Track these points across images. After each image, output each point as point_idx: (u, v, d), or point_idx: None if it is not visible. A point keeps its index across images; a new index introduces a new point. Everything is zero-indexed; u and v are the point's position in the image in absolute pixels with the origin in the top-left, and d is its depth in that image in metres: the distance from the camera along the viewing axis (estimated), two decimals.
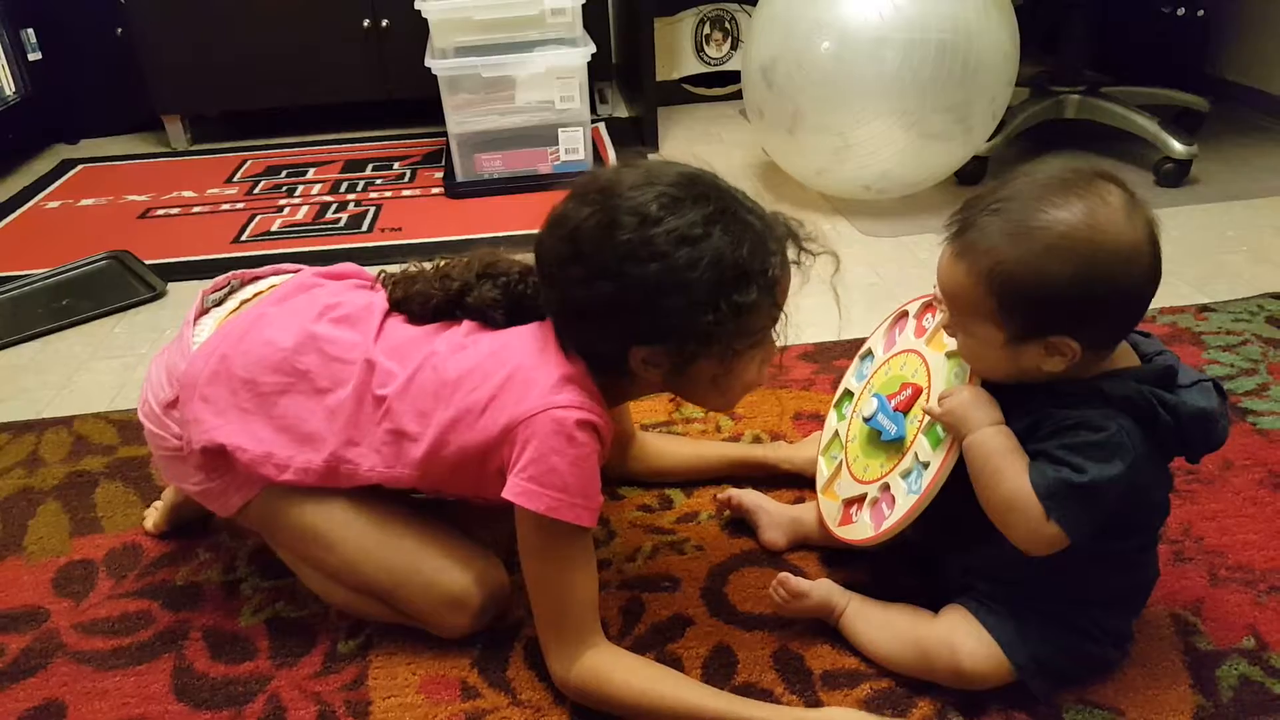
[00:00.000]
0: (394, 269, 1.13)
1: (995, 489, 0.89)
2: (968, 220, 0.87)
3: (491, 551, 1.09)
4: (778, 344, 1.00)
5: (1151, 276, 0.85)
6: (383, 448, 1.00)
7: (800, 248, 0.97)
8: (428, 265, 1.10)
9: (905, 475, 1.00)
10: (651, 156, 0.97)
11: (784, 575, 1.04)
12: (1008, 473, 0.88)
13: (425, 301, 1.06)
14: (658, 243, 0.88)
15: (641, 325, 0.92)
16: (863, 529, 1.03)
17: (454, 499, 1.15)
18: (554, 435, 0.92)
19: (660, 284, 0.88)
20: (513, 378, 0.96)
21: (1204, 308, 1.68)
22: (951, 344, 1.00)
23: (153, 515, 1.28)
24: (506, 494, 0.93)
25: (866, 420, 1.06)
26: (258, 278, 1.17)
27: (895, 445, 1.02)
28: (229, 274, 1.16)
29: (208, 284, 1.15)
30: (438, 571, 1.04)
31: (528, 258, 1.01)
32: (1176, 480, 1.23)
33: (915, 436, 1.00)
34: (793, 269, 0.96)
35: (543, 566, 0.97)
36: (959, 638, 0.95)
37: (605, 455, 0.98)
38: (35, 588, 1.20)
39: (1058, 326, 0.85)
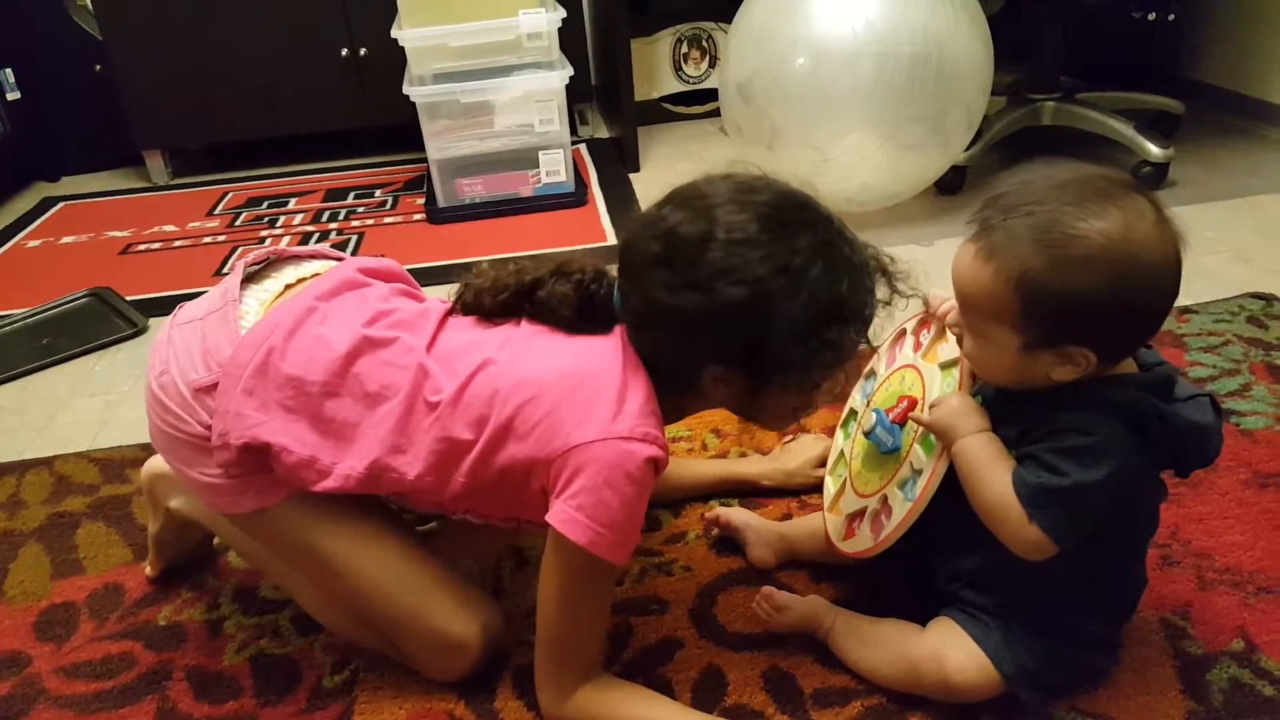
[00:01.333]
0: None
1: (980, 494, 0.89)
2: (993, 221, 0.85)
3: (488, 594, 1.09)
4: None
5: (1175, 293, 0.85)
6: (430, 455, 0.95)
7: (893, 289, 0.94)
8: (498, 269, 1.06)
9: (902, 485, 1.00)
10: (753, 171, 0.95)
11: (767, 590, 1.04)
12: (991, 478, 0.88)
13: (496, 294, 1.01)
14: (754, 267, 0.85)
15: (723, 346, 0.89)
16: (863, 541, 1.03)
17: (450, 518, 1.08)
18: (613, 469, 0.88)
19: (751, 310, 0.86)
20: (576, 393, 0.91)
21: (1185, 309, 1.69)
22: (945, 355, 1.00)
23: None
24: (550, 518, 0.89)
25: (866, 435, 1.06)
26: (299, 258, 1.10)
27: (894, 457, 1.02)
28: (268, 248, 1.09)
29: (247, 256, 1.08)
30: (444, 616, 1.01)
31: (605, 262, 1.00)
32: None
33: (911, 446, 1.00)
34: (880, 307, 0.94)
35: (564, 596, 0.93)
36: (946, 650, 0.95)
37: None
38: (16, 632, 1.19)
39: (1079, 337, 0.84)
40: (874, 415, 1.03)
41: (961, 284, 0.88)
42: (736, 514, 1.22)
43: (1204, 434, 0.87)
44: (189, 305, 1.06)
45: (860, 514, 1.06)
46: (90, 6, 2.82)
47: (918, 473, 0.97)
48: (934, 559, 1.02)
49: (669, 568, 1.20)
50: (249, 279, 1.06)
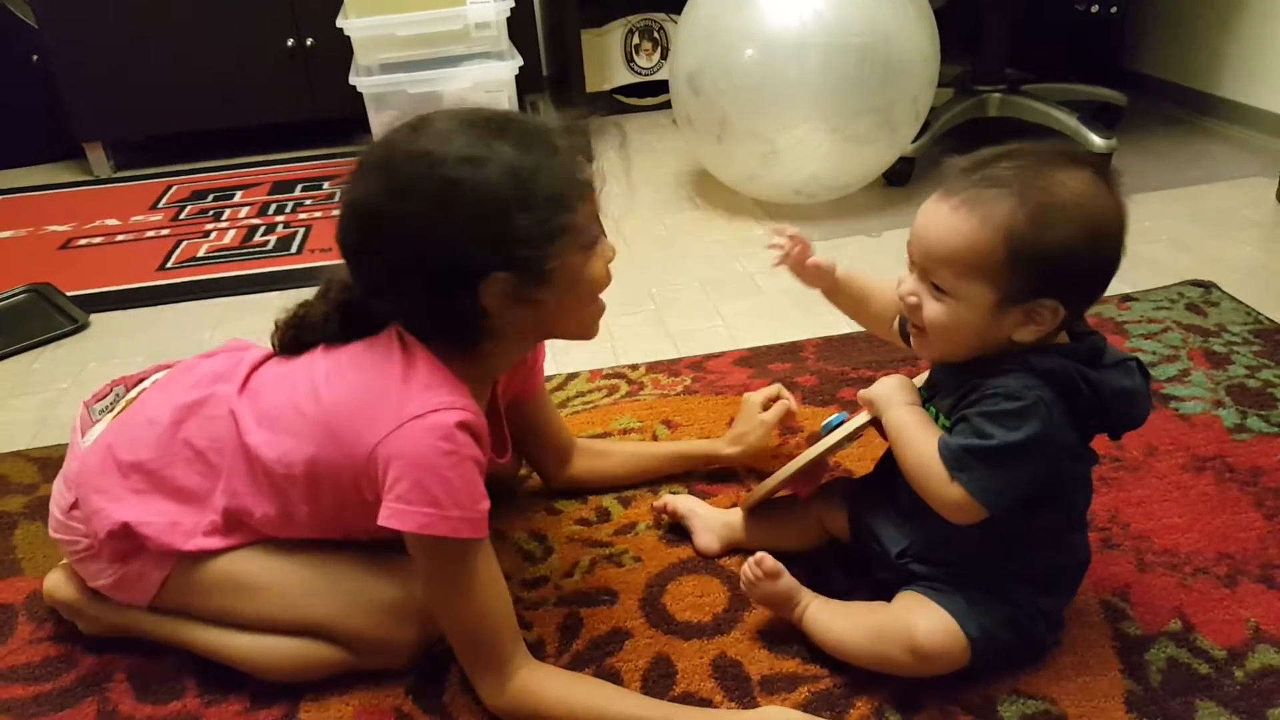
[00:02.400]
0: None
1: (905, 458, 0.92)
2: (964, 180, 0.87)
3: None
4: (606, 241, 1.00)
5: (1123, 252, 0.88)
6: (264, 492, 0.99)
7: (585, 138, 0.98)
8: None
9: (813, 445, 1.05)
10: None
11: (761, 554, 1.04)
12: (915, 443, 0.92)
13: (282, 335, 1.04)
14: (447, 173, 0.87)
15: (469, 259, 0.89)
16: (756, 491, 1.12)
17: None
18: (418, 449, 0.89)
19: (466, 208, 0.87)
20: (363, 397, 0.93)
21: (1126, 297, 1.72)
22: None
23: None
24: (381, 520, 0.90)
25: (824, 428, 1.09)
26: (141, 379, 1.15)
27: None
28: (111, 382, 1.16)
29: (89, 395, 1.15)
30: (378, 588, 1.01)
31: None
32: (1103, 467, 1.26)
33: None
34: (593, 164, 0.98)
35: (441, 590, 0.94)
36: (914, 618, 0.96)
37: (487, 449, 0.95)
38: None
39: (1053, 288, 0.85)
40: (839, 414, 1.08)
41: (938, 242, 0.87)
42: (683, 501, 1.23)
43: (1130, 398, 0.90)
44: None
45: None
46: None
47: (835, 433, 1.03)
48: (880, 541, 1.04)
49: (619, 558, 1.20)
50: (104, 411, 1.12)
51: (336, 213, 0.95)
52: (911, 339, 0.97)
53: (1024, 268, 0.84)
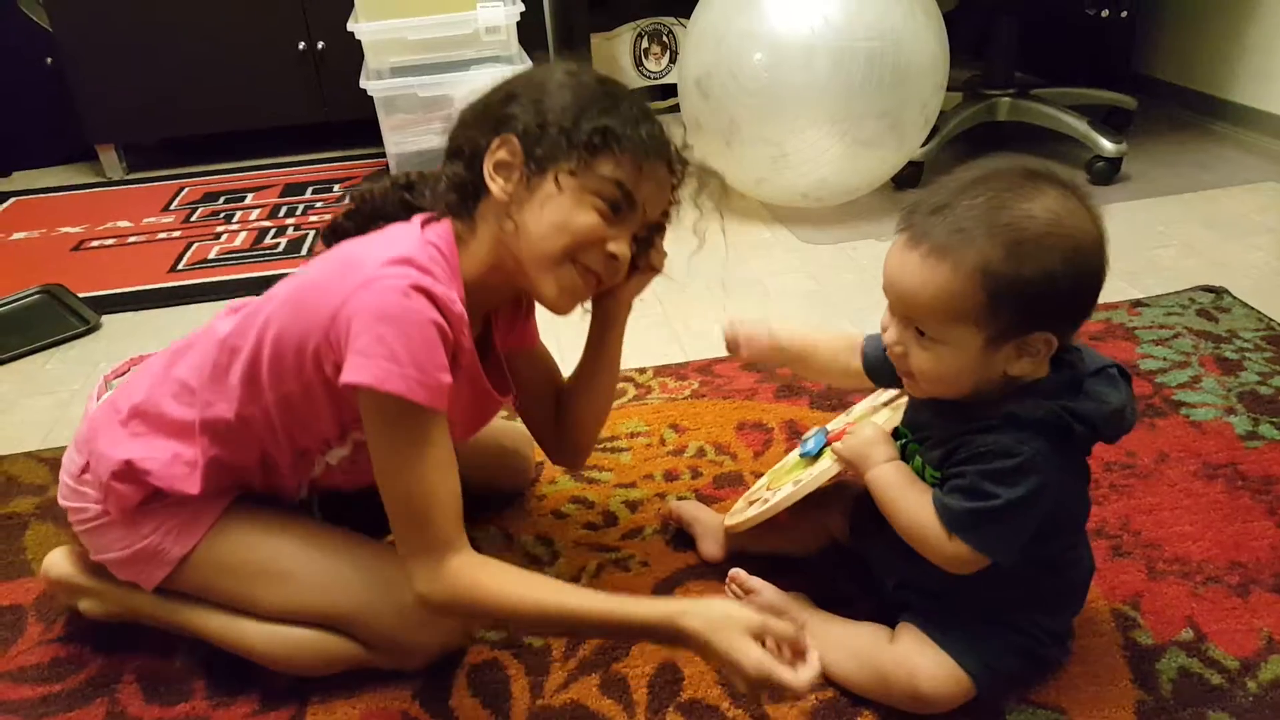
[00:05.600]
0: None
1: (897, 518, 0.92)
2: (928, 223, 0.85)
3: None
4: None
5: (1106, 267, 0.86)
6: (237, 383, 0.97)
7: (680, 157, 1.00)
8: None
9: (796, 481, 1.04)
10: None
11: (736, 571, 1.03)
12: (905, 504, 0.91)
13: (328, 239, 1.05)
14: (536, 72, 0.97)
15: (498, 117, 0.95)
16: (739, 515, 1.11)
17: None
18: (376, 304, 0.86)
19: (524, 87, 0.96)
20: (337, 269, 0.93)
21: (1137, 303, 1.71)
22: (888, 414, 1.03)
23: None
24: (343, 379, 0.86)
25: (801, 450, 1.09)
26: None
27: (807, 462, 1.06)
28: (130, 359, 1.16)
29: (108, 368, 1.16)
30: (407, 586, 0.97)
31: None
32: (1114, 475, 1.25)
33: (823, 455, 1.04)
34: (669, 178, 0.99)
35: (390, 457, 0.90)
36: (915, 660, 0.95)
37: (464, 339, 0.93)
38: None
39: (1043, 321, 0.84)
40: (816, 432, 1.08)
41: (913, 291, 0.85)
42: (688, 508, 1.23)
43: (1120, 416, 0.88)
44: None
45: (755, 500, 1.11)
46: None
47: (807, 476, 1.02)
48: (879, 570, 1.04)
49: (626, 563, 1.20)
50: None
51: None
52: (904, 382, 0.94)
53: (1006, 306, 0.83)
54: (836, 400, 1.49)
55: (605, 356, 1.15)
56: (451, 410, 0.92)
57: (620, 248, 0.96)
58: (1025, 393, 0.87)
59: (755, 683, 0.82)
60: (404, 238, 0.95)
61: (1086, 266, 0.83)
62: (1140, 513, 1.21)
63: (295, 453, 1.02)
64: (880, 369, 1.03)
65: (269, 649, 1.04)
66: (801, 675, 0.82)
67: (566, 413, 1.18)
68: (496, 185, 0.94)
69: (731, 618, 0.85)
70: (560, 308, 1.00)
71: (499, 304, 1.08)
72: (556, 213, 0.93)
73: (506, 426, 1.30)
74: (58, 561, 1.13)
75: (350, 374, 0.86)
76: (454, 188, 0.97)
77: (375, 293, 0.87)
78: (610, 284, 1.01)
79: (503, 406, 1.13)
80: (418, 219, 0.98)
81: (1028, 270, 0.81)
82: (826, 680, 0.99)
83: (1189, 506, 1.22)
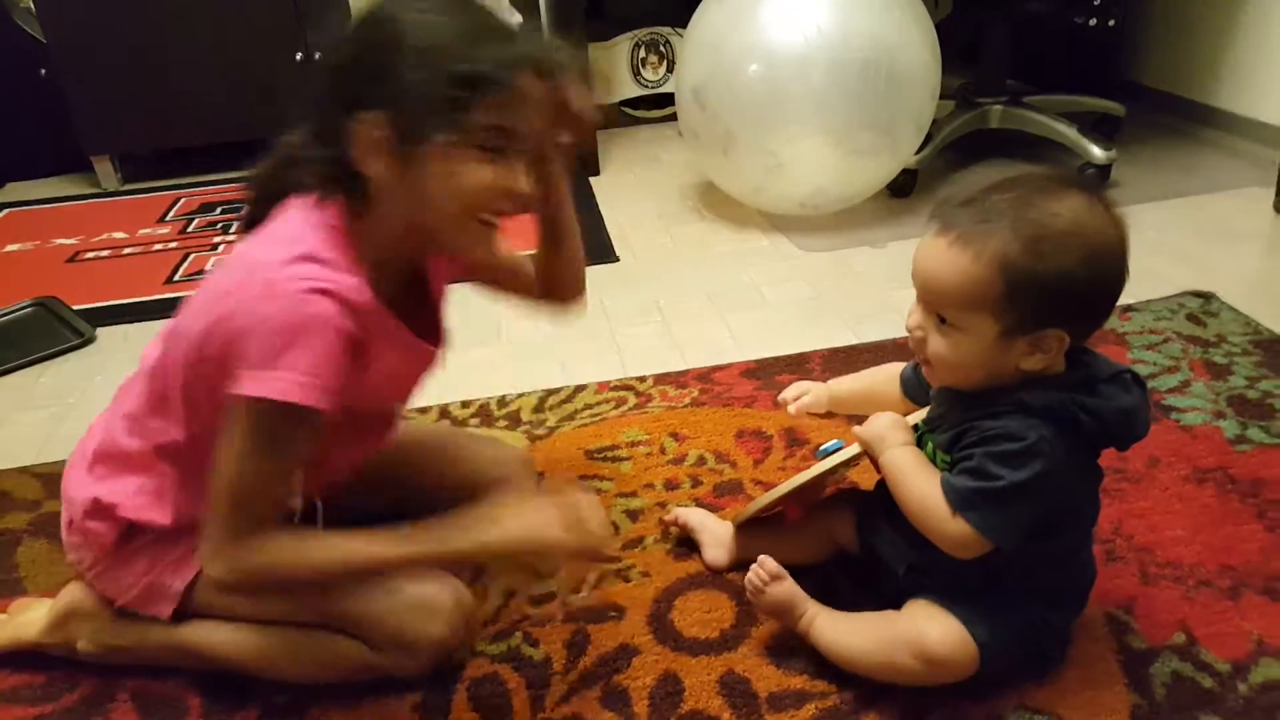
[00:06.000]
0: None
1: (906, 498, 0.94)
2: (959, 214, 0.88)
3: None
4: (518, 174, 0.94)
5: (1127, 273, 0.88)
6: (180, 406, 0.99)
7: (547, 63, 0.93)
8: None
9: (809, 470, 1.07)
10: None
11: (763, 557, 1.05)
12: (915, 484, 0.93)
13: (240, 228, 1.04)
14: (385, 10, 0.91)
15: (360, 86, 0.89)
16: (749, 507, 1.16)
17: None
18: (274, 312, 0.86)
19: (372, 43, 0.90)
20: (245, 269, 0.92)
21: (1127, 308, 1.73)
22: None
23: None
24: (232, 391, 0.87)
25: (818, 453, 1.11)
26: None
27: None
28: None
29: (94, 411, 1.16)
30: (413, 578, 1.02)
31: None
32: (1106, 480, 1.25)
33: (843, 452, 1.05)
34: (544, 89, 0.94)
35: (245, 452, 0.89)
36: (925, 624, 0.97)
37: (358, 336, 0.90)
38: None
39: (1057, 318, 0.86)
40: (834, 440, 1.10)
41: (937, 277, 0.89)
42: (694, 515, 1.24)
43: (1130, 415, 0.91)
44: None
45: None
46: (33, 9, 2.77)
47: (826, 460, 1.05)
48: (887, 557, 1.05)
49: (626, 574, 1.20)
50: None
51: None
52: (922, 369, 0.98)
53: (1023, 300, 0.85)
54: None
55: (562, 231, 1.15)
56: (379, 377, 0.96)
57: (519, 182, 0.94)
58: (1037, 385, 0.90)
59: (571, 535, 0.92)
60: (297, 227, 0.93)
61: (1104, 270, 0.86)
62: (1132, 517, 1.22)
63: None
64: (912, 385, 1.09)
65: (275, 657, 1.04)
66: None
67: (547, 280, 1.19)
68: (373, 169, 0.91)
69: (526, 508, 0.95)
70: (485, 257, 1.00)
71: (423, 256, 1.06)
72: (445, 180, 0.91)
73: (499, 456, 1.27)
74: (81, 593, 1.12)
75: (240, 386, 0.87)
76: (332, 173, 0.93)
77: (275, 300, 0.87)
78: (526, 212, 1.00)
79: (438, 354, 1.10)
80: (310, 201, 0.95)
81: (1046, 266, 0.84)
82: (833, 665, 1.02)
83: (1180, 511, 1.23)
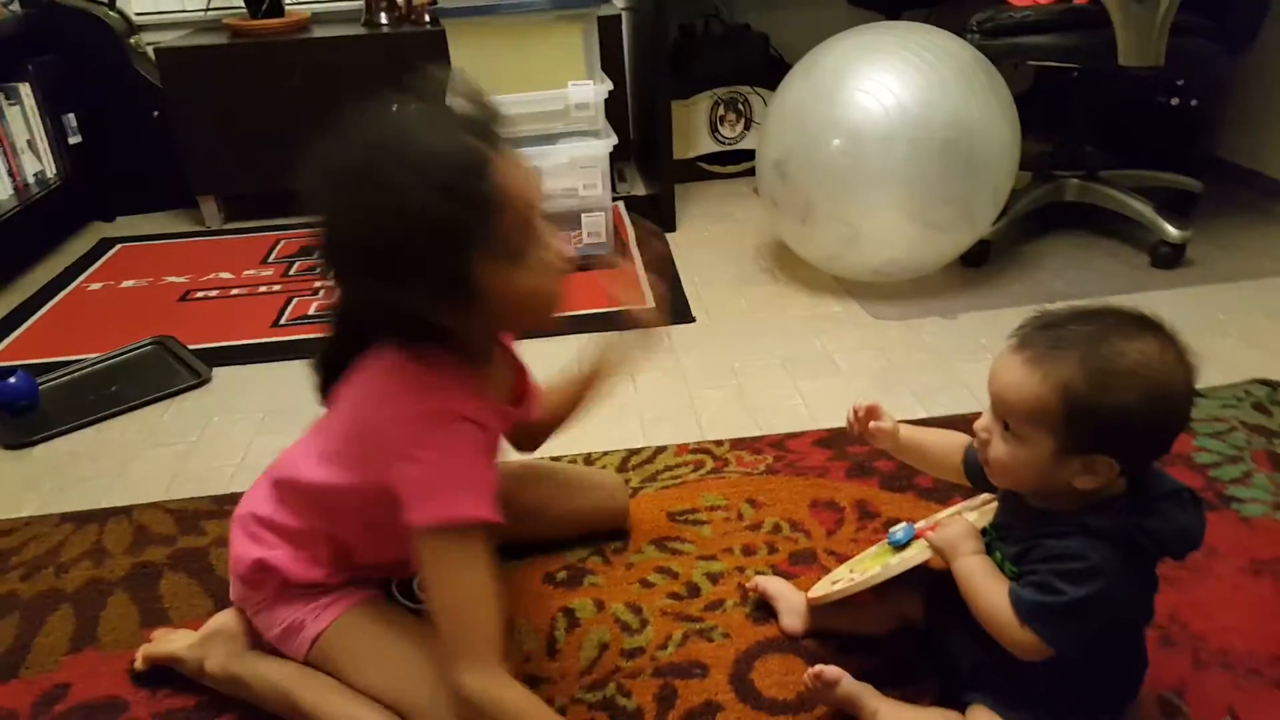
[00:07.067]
0: None
1: (977, 604, 1.02)
2: (1039, 336, 0.97)
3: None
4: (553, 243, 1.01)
5: (1189, 416, 0.97)
6: (348, 518, 1.14)
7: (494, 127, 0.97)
8: None
9: (882, 564, 1.14)
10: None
11: (819, 667, 1.13)
12: (986, 592, 1.01)
13: (317, 385, 1.16)
14: (367, 170, 0.91)
15: (387, 265, 0.92)
16: (822, 587, 1.24)
17: None
18: (415, 446, 0.98)
19: (377, 212, 0.90)
20: (373, 440, 1.03)
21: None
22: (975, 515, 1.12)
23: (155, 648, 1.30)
24: (411, 519, 0.98)
25: (889, 539, 1.19)
26: None
27: (894, 550, 1.16)
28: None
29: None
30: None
31: None
32: (1165, 568, 1.31)
33: (914, 548, 1.13)
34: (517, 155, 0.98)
35: (444, 579, 1.00)
36: None
37: (495, 433, 1.06)
38: (113, 678, 1.28)
39: (1108, 447, 0.94)
40: (906, 527, 1.18)
41: (1007, 386, 0.98)
42: (773, 584, 1.33)
43: (1187, 535, 0.98)
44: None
45: (839, 580, 1.22)
46: (152, 55, 2.96)
47: (899, 559, 1.12)
48: (958, 653, 1.13)
49: (710, 634, 1.30)
50: None
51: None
52: (984, 468, 1.06)
53: (1080, 425, 0.93)
54: (905, 481, 1.58)
55: (572, 409, 1.32)
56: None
57: (561, 249, 1.02)
58: (1101, 508, 0.98)
59: None
60: (399, 379, 1.03)
61: (1164, 410, 0.94)
62: (1189, 605, 1.29)
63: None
64: (974, 469, 1.15)
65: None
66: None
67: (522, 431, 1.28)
68: (442, 320, 0.99)
69: None
70: (560, 309, 1.05)
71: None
72: (509, 292, 0.97)
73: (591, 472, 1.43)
74: (230, 617, 1.26)
75: (419, 516, 0.98)
76: (405, 336, 1.02)
77: (430, 438, 0.99)
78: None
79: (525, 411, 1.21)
80: (395, 349, 1.04)
81: (1106, 400, 0.92)
82: None
83: (1235, 600, 1.29)
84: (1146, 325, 0.96)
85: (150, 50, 3.05)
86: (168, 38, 3.10)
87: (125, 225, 3.21)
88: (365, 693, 1.12)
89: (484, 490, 1.01)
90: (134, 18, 3.18)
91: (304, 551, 1.16)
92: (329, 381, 1.13)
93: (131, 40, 3.10)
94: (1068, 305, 1.00)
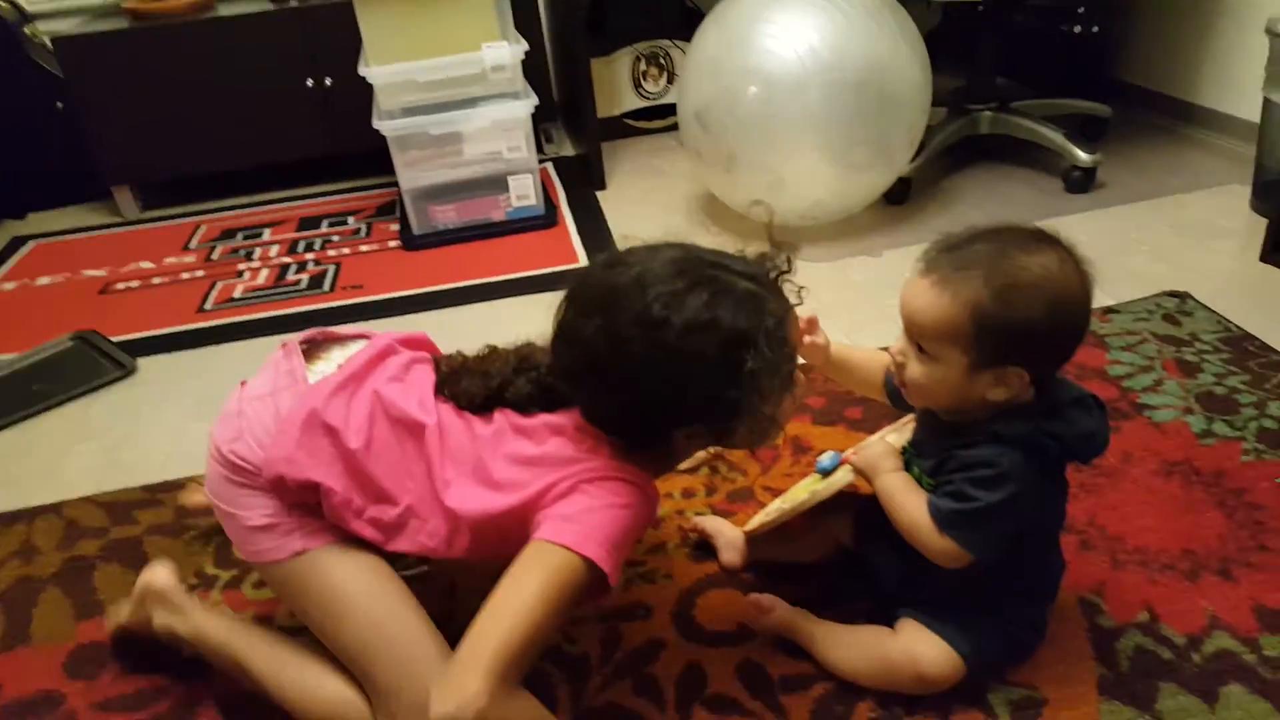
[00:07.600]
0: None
1: (898, 517, 1.06)
2: (943, 259, 1.00)
3: None
4: (801, 378, 1.05)
5: (1089, 322, 1.00)
6: (441, 526, 1.06)
7: (786, 281, 1.05)
8: (471, 355, 1.16)
9: (809, 490, 1.19)
10: (632, 242, 1.07)
11: (755, 596, 1.19)
12: (905, 505, 1.06)
13: (471, 399, 1.10)
14: (669, 344, 0.94)
15: (672, 417, 1.00)
16: (757, 520, 1.28)
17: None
18: (591, 486, 0.99)
19: (680, 379, 0.96)
20: (545, 469, 1.02)
21: (1108, 310, 1.83)
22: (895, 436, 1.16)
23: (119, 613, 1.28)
24: (536, 535, 0.96)
25: (817, 467, 1.23)
26: (343, 339, 1.21)
27: (824, 478, 1.20)
28: (314, 330, 1.21)
29: (288, 338, 1.19)
30: (444, 653, 1.04)
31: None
32: (1084, 475, 1.39)
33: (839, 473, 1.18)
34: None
35: (540, 599, 0.93)
36: (918, 648, 1.09)
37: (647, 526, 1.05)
38: (48, 673, 1.26)
39: (1018, 358, 0.98)
40: (831, 454, 1.21)
41: (917, 312, 1.01)
42: (710, 521, 1.37)
43: (1092, 439, 1.03)
44: (255, 382, 1.16)
45: (771, 511, 1.27)
46: (49, 45, 2.87)
47: (825, 484, 1.17)
48: (884, 566, 1.17)
49: (652, 576, 1.33)
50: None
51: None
52: (900, 390, 1.09)
53: (989, 340, 0.97)
54: (836, 415, 1.62)
55: None
56: None
57: (803, 385, 1.07)
58: (1008, 415, 1.01)
59: None
60: (613, 446, 1.03)
61: (1066, 320, 0.98)
62: (1105, 509, 1.35)
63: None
64: (893, 391, 1.18)
65: (292, 698, 1.10)
66: None
67: None
68: (691, 447, 1.09)
69: None
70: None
71: None
72: (756, 425, 1.01)
73: None
74: (159, 573, 1.22)
75: (554, 534, 0.96)
76: (632, 439, 1.04)
77: (585, 478, 1.00)
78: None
79: None
80: (586, 433, 1.04)
81: (1012, 313, 0.95)
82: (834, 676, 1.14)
83: (1148, 501, 1.36)
84: (1045, 239, 0.99)
85: (48, 40, 2.95)
86: (65, 25, 3.00)
87: (37, 222, 3.10)
88: (331, 643, 1.08)
89: (620, 554, 0.99)
90: (26, 6, 3.07)
91: (378, 507, 1.07)
92: (490, 403, 1.10)
93: (26, 30, 2.99)
94: (968, 227, 1.03)
